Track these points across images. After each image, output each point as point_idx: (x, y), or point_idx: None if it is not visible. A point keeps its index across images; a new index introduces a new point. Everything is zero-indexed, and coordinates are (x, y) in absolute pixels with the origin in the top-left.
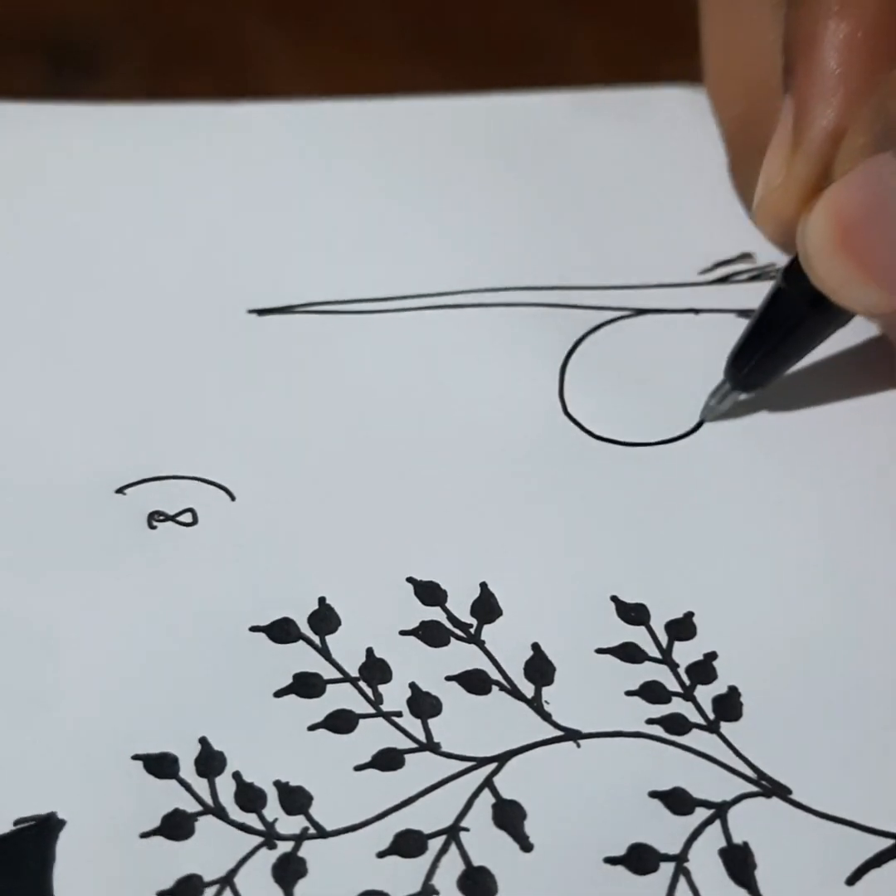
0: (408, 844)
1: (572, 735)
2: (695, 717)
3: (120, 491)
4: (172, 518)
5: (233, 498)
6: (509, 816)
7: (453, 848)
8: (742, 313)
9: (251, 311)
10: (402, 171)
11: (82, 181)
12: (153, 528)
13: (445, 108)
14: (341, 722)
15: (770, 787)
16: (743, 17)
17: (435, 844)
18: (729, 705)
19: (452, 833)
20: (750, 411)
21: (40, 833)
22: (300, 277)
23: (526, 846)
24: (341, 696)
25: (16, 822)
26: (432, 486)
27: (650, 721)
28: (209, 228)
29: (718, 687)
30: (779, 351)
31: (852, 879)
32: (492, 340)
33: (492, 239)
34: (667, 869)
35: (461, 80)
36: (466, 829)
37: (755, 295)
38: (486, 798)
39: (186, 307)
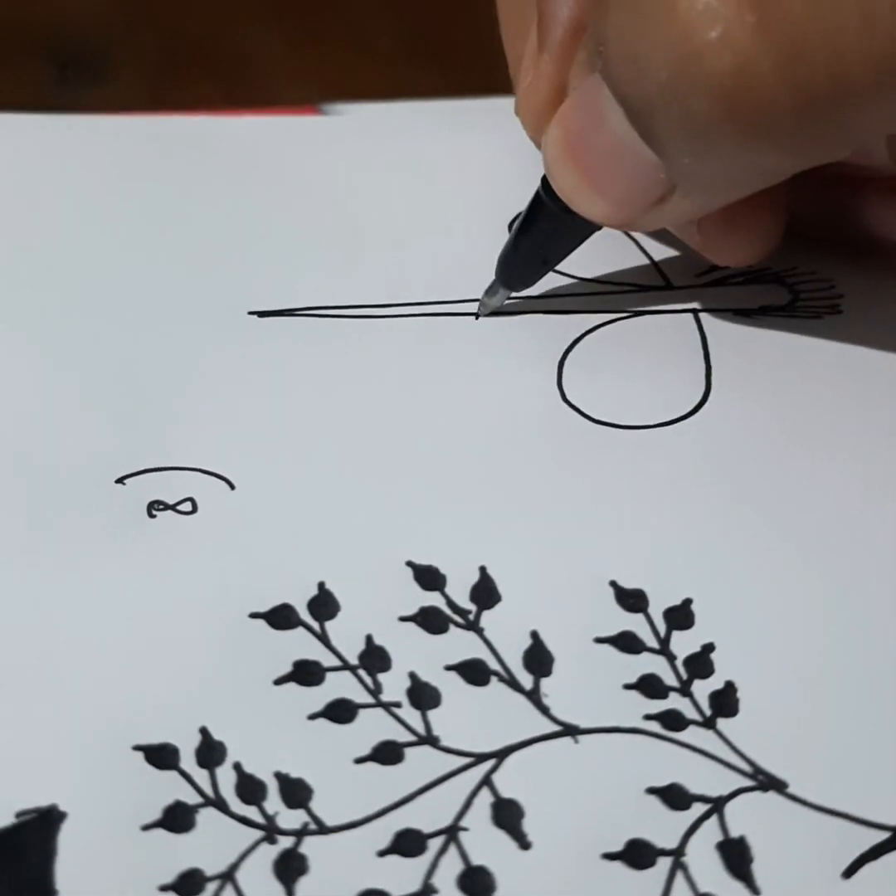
0: (408, 844)
1: (570, 730)
2: (691, 713)
3: (120, 481)
4: (172, 507)
5: (232, 487)
6: (508, 815)
7: (453, 848)
8: (738, 312)
9: (251, 313)
10: (404, 175)
11: (88, 183)
12: (153, 516)
13: (447, 112)
14: (341, 712)
15: (767, 782)
16: None
17: (434, 844)
18: (725, 701)
19: (452, 833)
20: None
21: (41, 826)
22: (301, 281)
23: (524, 844)
24: (341, 685)
25: (17, 815)
26: (431, 472)
27: (647, 717)
28: (213, 232)
29: (715, 682)
30: (539, 252)
31: (849, 872)
32: (492, 341)
33: (495, 244)
34: (664, 864)
35: (462, 84)
36: (465, 829)
37: (751, 296)
38: (485, 797)
39: (188, 308)
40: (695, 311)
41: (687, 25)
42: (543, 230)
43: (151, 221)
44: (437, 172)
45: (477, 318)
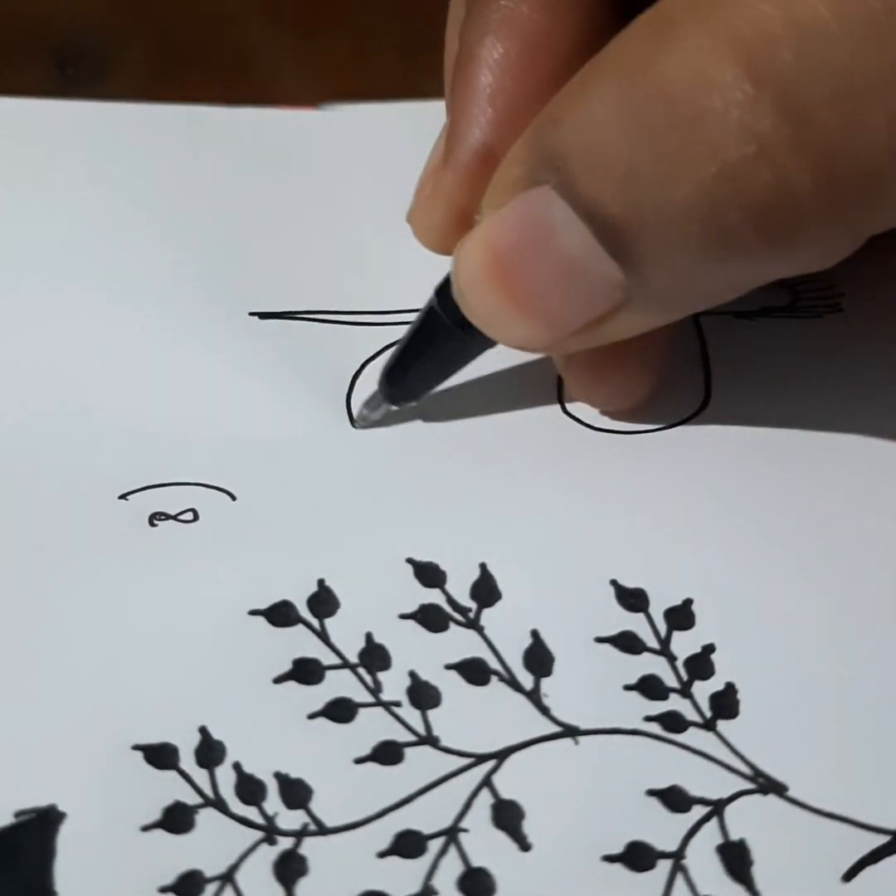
0: (408, 845)
1: (570, 731)
2: (692, 715)
3: (122, 497)
4: (173, 517)
5: (234, 498)
6: (508, 817)
7: (453, 849)
8: (738, 315)
9: (252, 314)
10: (406, 178)
11: (86, 181)
12: (154, 526)
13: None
14: (341, 711)
15: (766, 785)
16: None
17: (434, 845)
18: (726, 703)
19: (452, 834)
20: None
21: (41, 826)
22: (302, 284)
23: (524, 846)
24: (341, 684)
25: (16, 815)
26: (433, 473)
27: (648, 718)
28: (214, 230)
29: (715, 683)
30: (428, 369)
31: (849, 876)
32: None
33: None
34: (664, 866)
35: None
36: (465, 830)
37: (750, 297)
38: (485, 798)
39: (188, 306)
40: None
41: (718, 141)
42: (434, 346)
43: (150, 221)
44: None
45: (356, 428)
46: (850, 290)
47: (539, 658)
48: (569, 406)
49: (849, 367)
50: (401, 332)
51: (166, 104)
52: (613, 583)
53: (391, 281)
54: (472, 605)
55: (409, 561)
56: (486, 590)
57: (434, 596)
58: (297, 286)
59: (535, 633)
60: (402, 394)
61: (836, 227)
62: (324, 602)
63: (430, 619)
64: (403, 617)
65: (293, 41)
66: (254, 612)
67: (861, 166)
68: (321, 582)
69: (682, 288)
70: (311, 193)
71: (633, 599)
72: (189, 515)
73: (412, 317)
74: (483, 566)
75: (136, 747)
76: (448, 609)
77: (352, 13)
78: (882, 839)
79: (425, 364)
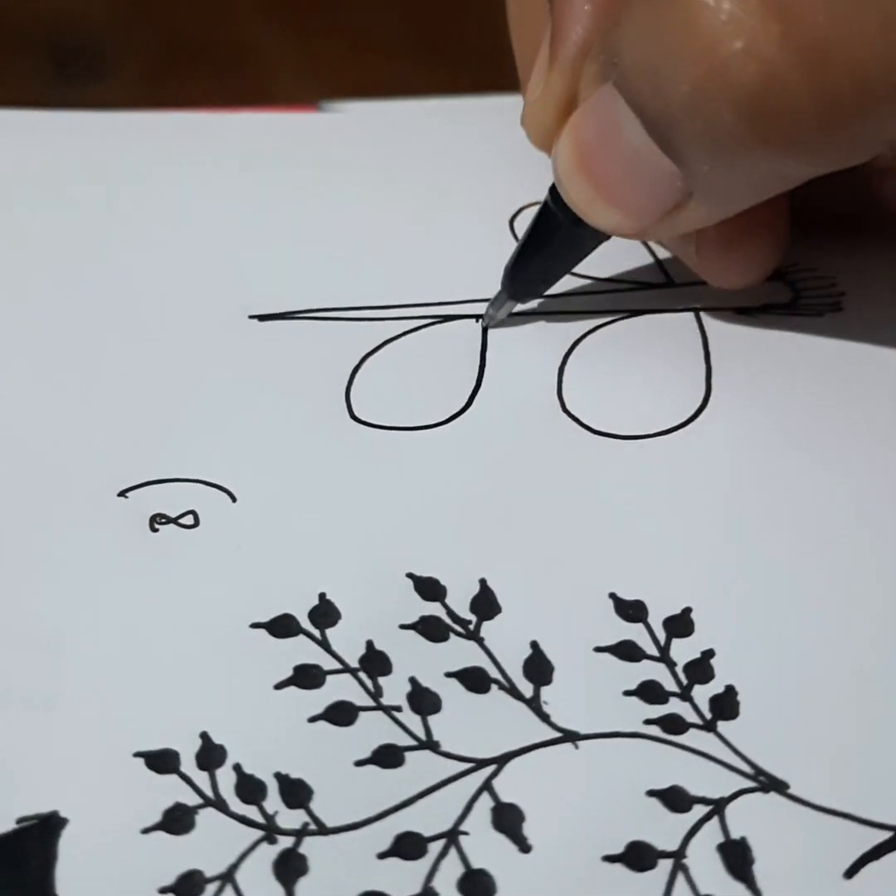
0: (408, 847)
1: (570, 736)
2: (692, 717)
3: (122, 494)
4: (174, 520)
5: (234, 499)
6: (508, 820)
7: (453, 851)
8: (740, 311)
9: (252, 317)
10: (405, 174)
11: (84, 186)
12: (155, 530)
13: (447, 110)
14: (341, 714)
15: (768, 782)
16: None
17: (435, 848)
18: (726, 704)
19: (452, 837)
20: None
21: (42, 832)
22: (301, 284)
23: (524, 848)
24: (341, 688)
25: (18, 821)
26: (432, 483)
27: (648, 721)
28: (211, 234)
29: (715, 686)
30: (547, 263)
31: (850, 872)
32: (492, 344)
33: (496, 244)
34: (665, 866)
35: (463, 81)
36: (466, 833)
37: (753, 293)
38: (486, 801)
39: (188, 312)
40: (696, 310)
41: (710, 37)
42: (551, 241)
43: (148, 225)
44: (437, 171)
45: (485, 327)
46: (851, 288)
47: (538, 667)
48: (568, 406)
49: (849, 367)
50: (400, 328)
51: (163, 112)
52: (612, 595)
53: (392, 278)
54: (472, 617)
55: (410, 576)
56: (485, 603)
57: (434, 608)
58: (297, 287)
59: (534, 644)
60: (524, 289)
61: (836, 131)
62: (325, 614)
63: (430, 629)
64: (404, 627)
65: (291, 39)
66: (255, 625)
67: (855, 73)
68: (322, 595)
69: (725, 182)
70: (308, 192)
71: (631, 611)
72: (190, 519)
73: (412, 312)
74: (483, 581)
75: (138, 754)
76: (448, 621)
77: (350, 12)
78: (884, 835)
79: (544, 259)
